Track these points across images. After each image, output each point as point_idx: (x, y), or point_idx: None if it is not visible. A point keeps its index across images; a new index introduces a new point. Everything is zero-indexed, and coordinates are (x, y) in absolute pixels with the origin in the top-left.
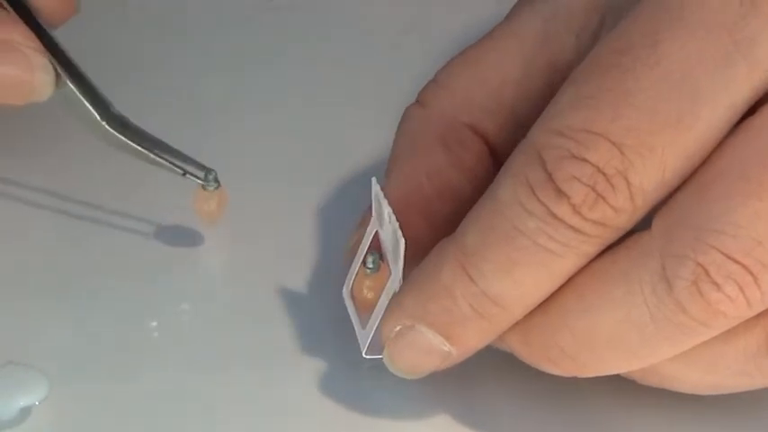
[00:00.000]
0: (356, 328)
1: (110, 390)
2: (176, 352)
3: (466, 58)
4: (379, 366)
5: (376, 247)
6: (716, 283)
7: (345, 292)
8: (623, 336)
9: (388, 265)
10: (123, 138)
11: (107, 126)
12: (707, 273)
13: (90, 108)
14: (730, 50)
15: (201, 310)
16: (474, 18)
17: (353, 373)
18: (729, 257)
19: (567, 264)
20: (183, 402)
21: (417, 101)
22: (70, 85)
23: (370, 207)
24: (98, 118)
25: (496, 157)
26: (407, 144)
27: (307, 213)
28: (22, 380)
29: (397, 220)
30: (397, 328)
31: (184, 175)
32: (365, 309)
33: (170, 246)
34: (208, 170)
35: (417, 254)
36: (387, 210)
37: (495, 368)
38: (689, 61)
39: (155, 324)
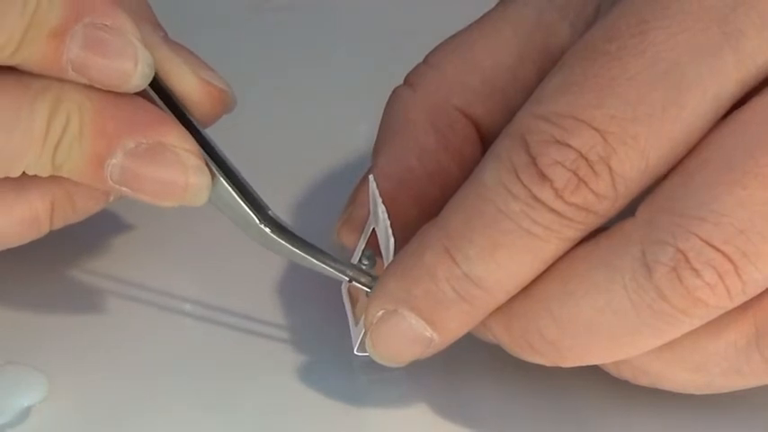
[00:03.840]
0: (350, 324)
1: (110, 390)
2: (176, 351)
3: (458, 42)
4: (371, 364)
5: (374, 245)
6: (695, 270)
7: (343, 288)
8: (604, 322)
9: (383, 262)
10: (284, 242)
11: (267, 230)
12: (686, 259)
13: (248, 211)
14: (719, 42)
15: (202, 309)
16: (474, 18)
17: (348, 372)
18: (710, 244)
19: (549, 248)
20: (182, 402)
21: (406, 82)
22: (226, 185)
23: (358, 187)
24: (257, 222)
25: (485, 141)
26: (397, 125)
27: (306, 213)
28: (22, 380)
29: (389, 218)
30: (380, 313)
31: (350, 281)
32: (356, 305)
33: (169, 246)
34: (372, 276)
35: (406, 239)
36: (381, 208)
37: (488, 365)
38: (676, 51)
39: (154, 324)
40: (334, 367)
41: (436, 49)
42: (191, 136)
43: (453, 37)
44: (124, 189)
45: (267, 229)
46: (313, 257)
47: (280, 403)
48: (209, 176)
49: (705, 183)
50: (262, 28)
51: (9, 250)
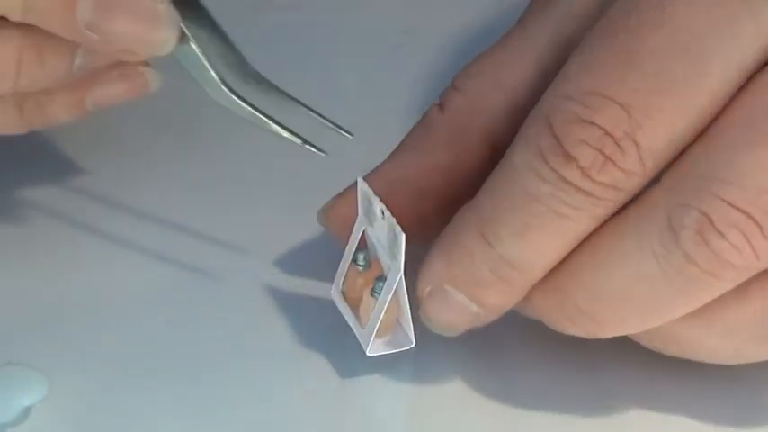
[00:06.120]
0: (353, 327)
1: (110, 390)
2: (176, 352)
3: (482, 62)
4: (371, 363)
5: (364, 246)
6: (720, 232)
7: (335, 292)
8: (636, 290)
9: (380, 262)
10: (244, 105)
11: (227, 91)
12: (711, 221)
13: (210, 71)
14: (738, 10)
15: (202, 309)
16: (474, 18)
17: (348, 371)
18: (733, 206)
19: (580, 226)
20: (182, 402)
21: (439, 103)
22: (192, 45)
23: (355, 183)
24: (218, 82)
25: None
26: (416, 137)
27: (306, 213)
28: (22, 380)
29: (393, 216)
30: (428, 288)
31: (303, 144)
32: (359, 307)
33: (170, 246)
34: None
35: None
36: (378, 206)
37: (492, 365)
38: (696, 21)
39: (155, 325)
40: (334, 367)
41: (462, 70)
42: None
43: (479, 57)
44: (94, 36)
45: (226, 90)
46: (276, 123)
47: (280, 403)
48: (178, 26)
49: (726, 145)
50: (262, 28)
51: (8, 251)
